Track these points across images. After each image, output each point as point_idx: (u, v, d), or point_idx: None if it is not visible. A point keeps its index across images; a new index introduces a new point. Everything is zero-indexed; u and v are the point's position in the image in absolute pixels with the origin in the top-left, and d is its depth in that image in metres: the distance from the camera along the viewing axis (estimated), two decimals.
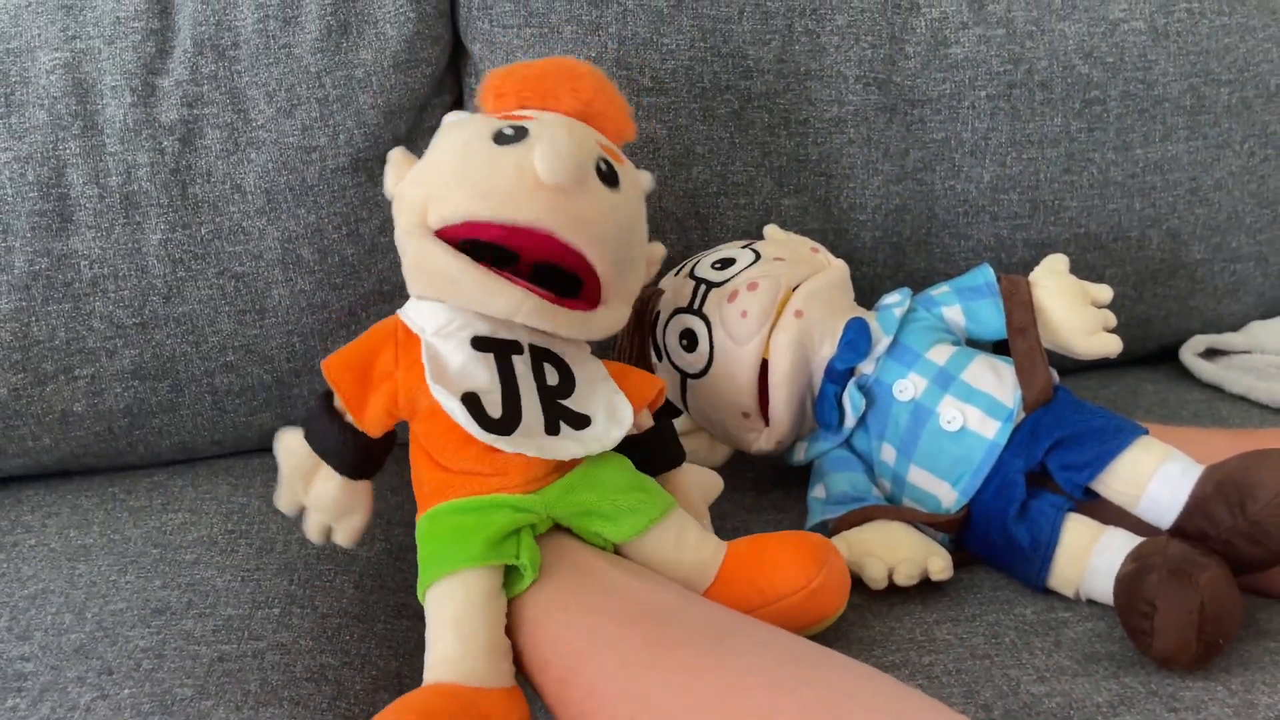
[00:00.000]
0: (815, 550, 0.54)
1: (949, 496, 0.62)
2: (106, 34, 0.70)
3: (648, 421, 0.59)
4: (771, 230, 0.74)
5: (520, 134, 0.53)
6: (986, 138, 0.81)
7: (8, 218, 0.69)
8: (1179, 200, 0.85)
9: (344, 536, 0.56)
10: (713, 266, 0.67)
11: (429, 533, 0.52)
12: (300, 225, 0.73)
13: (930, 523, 0.61)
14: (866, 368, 0.64)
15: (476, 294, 0.51)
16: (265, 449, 0.80)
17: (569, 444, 0.52)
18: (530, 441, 0.51)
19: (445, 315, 0.53)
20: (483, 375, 0.52)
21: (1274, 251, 0.90)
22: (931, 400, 0.62)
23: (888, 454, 0.64)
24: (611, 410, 0.55)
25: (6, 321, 0.70)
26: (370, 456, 0.54)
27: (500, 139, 0.53)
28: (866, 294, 0.81)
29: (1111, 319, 0.66)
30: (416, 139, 0.76)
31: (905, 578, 0.58)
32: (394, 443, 0.55)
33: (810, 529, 0.65)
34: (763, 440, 0.67)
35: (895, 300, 0.67)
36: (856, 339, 0.64)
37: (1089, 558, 0.57)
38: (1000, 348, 0.67)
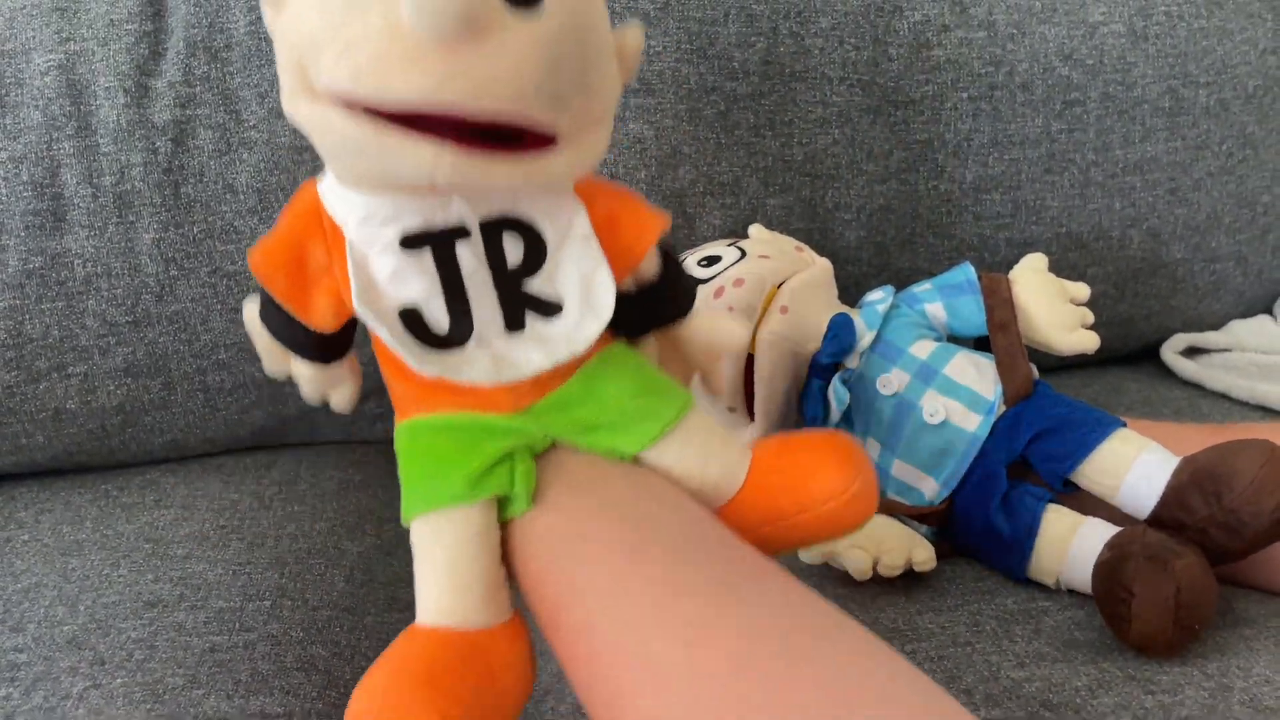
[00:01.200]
0: (853, 453, 0.47)
1: (932, 489, 0.62)
2: (100, 36, 0.71)
3: (652, 269, 0.49)
4: (756, 229, 0.75)
5: None
6: (969, 138, 0.82)
7: (2, 217, 0.70)
8: (1159, 200, 0.86)
9: (339, 404, 0.50)
10: (699, 264, 0.68)
11: (409, 451, 0.46)
12: None
13: (913, 515, 0.62)
14: (851, 363, 0.65)
15: (381, 159, 0.38)
16: (257, 446, 0.81)
17: (532, 353, 0.45)
18: (484, 355, 0.44)
19: (364, 205, 0.42)
20: (419, 282, 0.43)
21: (1253, 251, 0.92)
22: (914, 394, 0.63)
23: (872, 449, 0.65)
24: (588, 290, 0.46)
25: (0, 319, 0.71)
26: (335, 341, 0.46)
27: None
28: (851, 292, 0.82)
29: (1090, 316, 0.67)
30: None
31: (889, 569, 0.59)
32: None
33: None
34: (747, 435, 0.68)
35: (879, 297, 0.68)
36: (841, 334, 0.65)
37: (1069, 547, 0.58)
38: (981, 344, 0.67)
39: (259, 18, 0.72)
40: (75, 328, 0.72)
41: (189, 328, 0.74)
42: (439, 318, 0.44)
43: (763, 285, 0.66)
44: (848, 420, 0.66)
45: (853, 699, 0.35)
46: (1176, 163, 0.86)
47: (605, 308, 0.45)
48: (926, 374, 0.63)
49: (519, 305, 0.45)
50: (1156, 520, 0.56)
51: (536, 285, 0.45)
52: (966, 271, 0.68)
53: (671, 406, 0.47)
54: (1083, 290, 0.67)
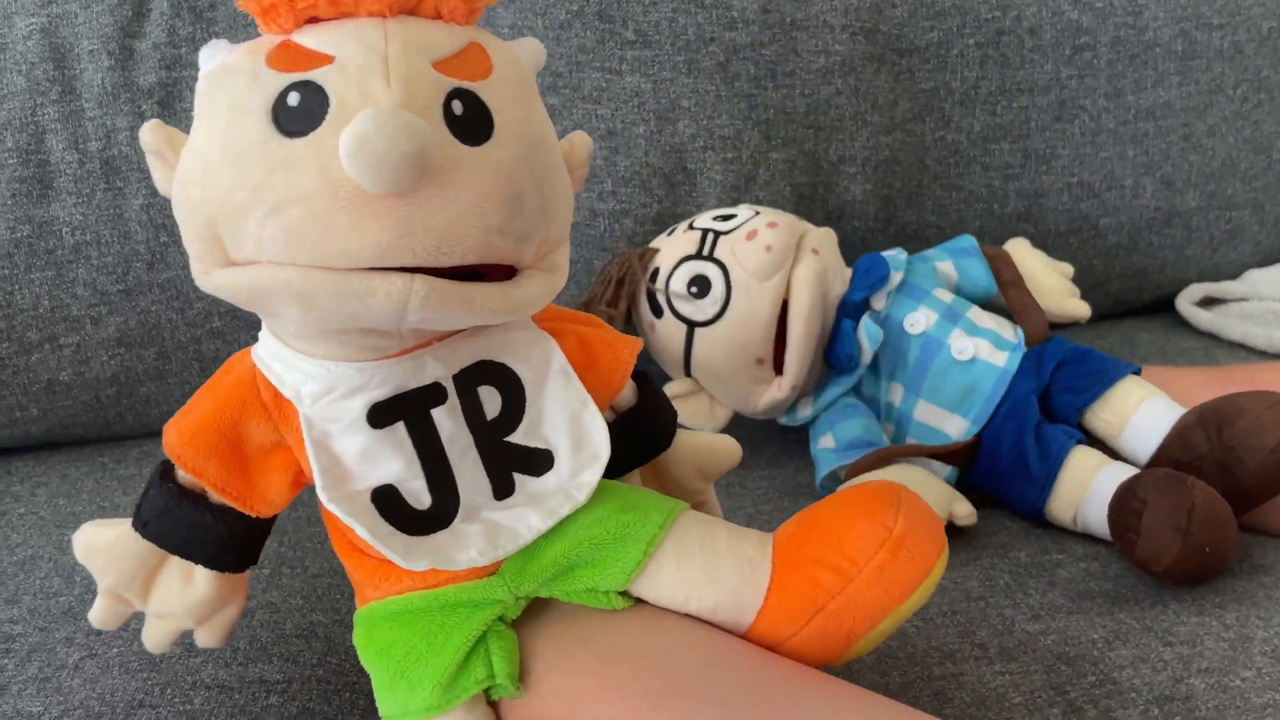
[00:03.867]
0: (879, 492, 0.39)
1: (959, 427, 0.62)
2: None
3: (629, 395, 0.45)
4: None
5: (313, 103, 0.32)
6: (976, 86, 0.80)
7: None
8: (1172, 147, 0.84)
9: (214, 635, 0.44)
10: (714, 219, 0.67)
11: (368, 649, 0.40)
12: None
13: (942, 455, 0.61)
14: (878, 304, 0.65)
15: (339, 304, 0.32)
16: None
17: (529, 516, 0.39)
18: (475, 530, 0.39)
19: (323, 377, 0.37)
20: (394, 461, 0.37)
21: (1270, 199, 0.89)
22: (942, 333, 0.63)
23: (895, 394, 0.65)
24: (577, 432, 0.40)
25: None
26: (259, 538, 0.42)
27: (282, 118, 0.32)
28: (858, 248, 0.81)
29: (1077, 290, 0.72)
30: None
31: None
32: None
33: (821, 481, 0.64)
34: (774, 390, 0.66)
35: (892, 253, 0.68)
36: (875, 268, 0.65)
37: (1091, 483, 0.57)
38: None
39: None
40: (66, 297, 0.71)
41: (181, 295, 0.72)
42: (419, 494, 0.38)
43: (794, 230, 0.65)
44: (874, 364, 0.65)
45: None
46: (1190, 108, 0.84)
47: (601, 448, 0.40)
48: (952, 315, 0.64)
49: (505, 466, 0.40)
50: (1156, 461, 0.57)
51: (521, 438, 0.40)
52: (969, 240, 0.70)
53: (653, 520, 0.40)
54: (1068, 268, 0.73)
